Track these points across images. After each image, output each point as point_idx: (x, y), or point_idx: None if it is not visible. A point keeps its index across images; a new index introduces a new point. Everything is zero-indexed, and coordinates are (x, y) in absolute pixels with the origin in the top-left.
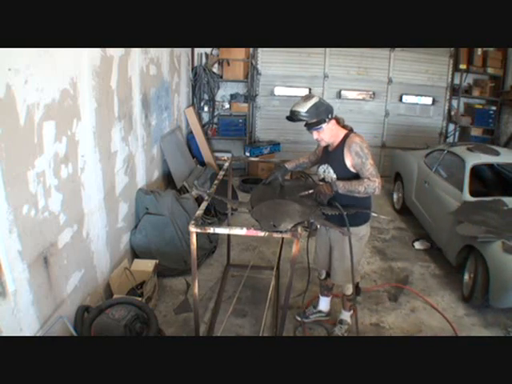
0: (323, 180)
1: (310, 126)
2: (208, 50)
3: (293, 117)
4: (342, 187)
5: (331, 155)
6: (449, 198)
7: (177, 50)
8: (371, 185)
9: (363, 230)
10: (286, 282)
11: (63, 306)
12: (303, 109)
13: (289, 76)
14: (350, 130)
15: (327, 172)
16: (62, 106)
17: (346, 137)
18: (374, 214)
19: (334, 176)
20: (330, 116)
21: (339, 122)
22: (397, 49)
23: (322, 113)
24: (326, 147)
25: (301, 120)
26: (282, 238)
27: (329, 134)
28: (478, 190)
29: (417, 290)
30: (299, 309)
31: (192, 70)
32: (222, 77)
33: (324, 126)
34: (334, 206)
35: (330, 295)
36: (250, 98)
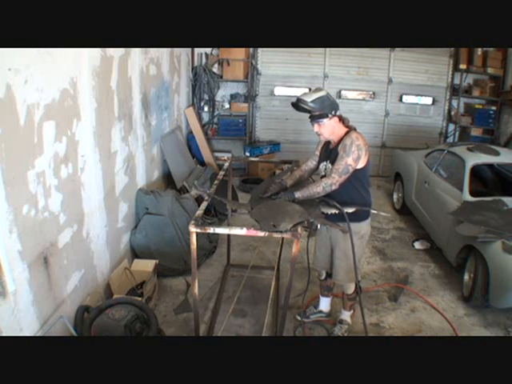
0: (324, 177)
1: (313, 118)
2: (208, 50)
3: (298, 103)
4: (301, 195)
5: (331, 152)
6: (449, 198)
7: (177, 50)
8: (328, 182)
9: (364, 229)
10: (286, 282)
11: (63, 306)
12: (309, 98)
13: (289, 76)
14: (353, 129)
15: (328, 169)
16: (62, 106)
17: (346, 134)
18: (373, 211)
19: None
20: (333, 112)
21: (344, 121)
22: (397, 49)
23: (326, 107)
24: (328, 145)
25: (304, 109)
26: (282, 238)
27: (329, 129)
28: (477, 190)
29: (417, 290)
30: (299, 309)
31: (192, 70)
32: (222, 77)
33: (326, 120)
34: (332, 205)
35: (330, 295)
36: (250, 98)
